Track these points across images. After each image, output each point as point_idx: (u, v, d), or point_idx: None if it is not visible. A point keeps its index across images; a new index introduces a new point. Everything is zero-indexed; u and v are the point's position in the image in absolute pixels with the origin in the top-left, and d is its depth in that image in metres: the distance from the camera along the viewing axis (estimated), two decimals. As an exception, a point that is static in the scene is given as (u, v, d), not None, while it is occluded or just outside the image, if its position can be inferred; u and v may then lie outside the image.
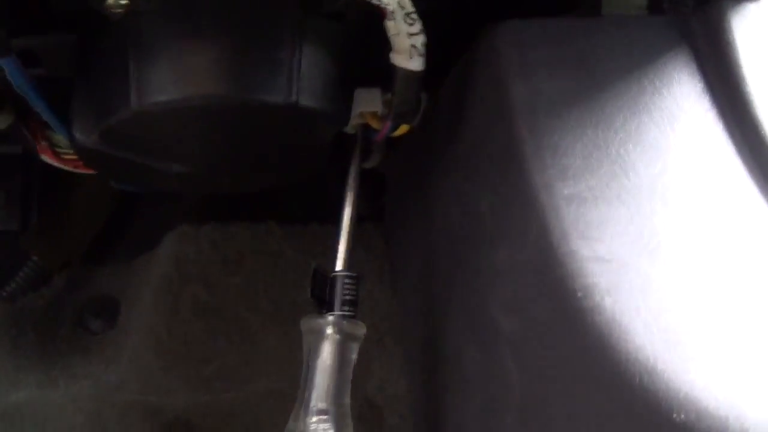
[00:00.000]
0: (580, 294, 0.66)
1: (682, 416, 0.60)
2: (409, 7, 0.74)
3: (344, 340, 0.86)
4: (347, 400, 0.86)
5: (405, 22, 0.75)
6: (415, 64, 0.78)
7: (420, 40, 0.76)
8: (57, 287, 1.31)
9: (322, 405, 0.85)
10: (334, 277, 0.86)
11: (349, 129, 0.88)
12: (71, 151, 0.94)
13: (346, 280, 0.86)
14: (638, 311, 0.64)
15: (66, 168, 0.96)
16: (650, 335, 0.63)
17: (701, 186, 0.69)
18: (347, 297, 0.86)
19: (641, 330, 0.63)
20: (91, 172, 0.96)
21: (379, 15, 0.75)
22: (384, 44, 0.77)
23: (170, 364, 1.21)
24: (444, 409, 0.97)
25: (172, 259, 1.24)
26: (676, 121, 0.73)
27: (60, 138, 0.93)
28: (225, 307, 1.23)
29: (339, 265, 0.87)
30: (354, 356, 0.87)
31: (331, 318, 0.85)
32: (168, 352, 1.21)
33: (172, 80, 0.76)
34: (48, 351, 1.26)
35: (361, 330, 0.87)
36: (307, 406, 0.85)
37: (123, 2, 0.74)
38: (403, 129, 0.87)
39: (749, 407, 0.58)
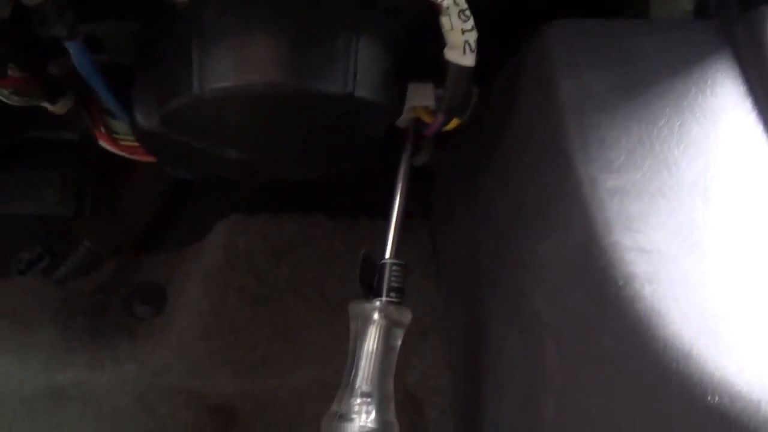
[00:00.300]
0: (621, 282, 0.68)
1: (716, 399, 0.62)
2: (463, 5, 0.76)
3: (390, 326, 0.88)
4: (391, 385, 0.89)
5: (459, 18, 0.77)
6: (468, 60, 0.80)
7: (473, 37, 0.78)
8: (107, 272, 1.34)
9: (366, 388, 0.87)
10: (383, 264, 0.89)
11: (401, 123, 0.90)
12: (129, 138, 0.97)
13: (394, 268, 0.88)
14: (676, 300, 0.66)
15: (123, 154, 0.99)
16: (687, 322, 0.65)
17: (741, 184, 0.71)
18: (395, 284, 0.88)
19: (679, 317, 0.65)
20: (146, 158, 0.99)
21: (434, 11, 0.77)
22: (437, 40, 0.80)
23: (216, 350, 1.23)
24: (484, 399, 0.99)
25: (222, 248, 1.27)
26: (718, 121, 0.75)
27: (118, 124, 0.96)
28: (272, 296, 1.25)
29: (388, 253, 0.89)
30: (399, 343, 0.90)
31: (378, 303, 0.88)
32: (214, 338, 1.24)
33: (233, 67, 0.79)
34: (96, 334, 1.29)
35: (407, 316, 0.89)
36: (352, 388, 0.87)
37: (188, -8, 0.78)
38: (454, 123, 0.89)
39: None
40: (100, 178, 1.24)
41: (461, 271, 1.08)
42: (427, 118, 0.89)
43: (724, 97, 0.77)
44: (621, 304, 0.68)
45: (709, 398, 0.62)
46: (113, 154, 1.00)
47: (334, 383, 0.88)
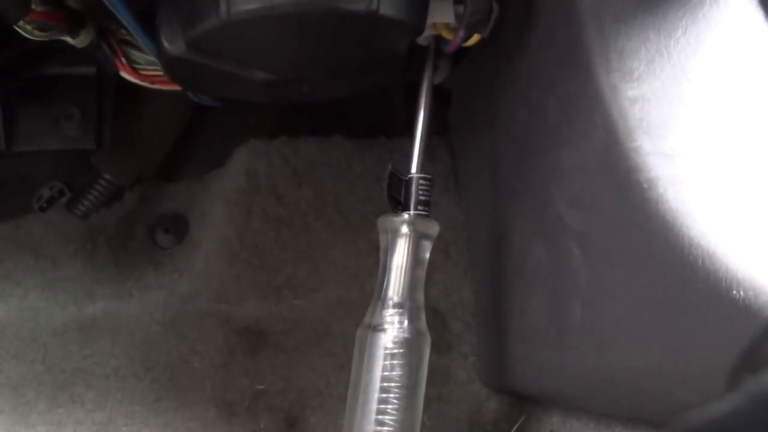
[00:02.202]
0: (645, 186, 0.71)
1: (741, 293, 0.65)
2: None
3: (419, 238, 0.91)
4: (421, 295, 0.92)
5: (478, -67, 0.78)
6: (488, -25, 0.82)
7: (492, -48, 0.80)
8: (129, 204, 1.36)
9: (397, 299, 0.90)
10: (410, 178, 0.91)
11: (422, 40, 0.92)
12: (149, 67, 0.99)
13: (421, 181, 0.91)
14: (700, 201, 0.68)
15: (144, 84, 1.00)
16: (711, 222, 0.67)
17: (755, 92, 0.72)
18: (422, 197, 0.91)
19: (702, 218, 0.68)
20: (168, 87, 1.00)
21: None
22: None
23: (242, 273, 1.25)
24: (509, 306, 1.02)
25: (243, 173, 1.28)
26: (732, 32, 0.76)
27: (139, 54, 0.98)
28: (294, 218, 1.27)
29: (414, 168, 0.92)
30: (427, 255, 0.93)
31: (407, 216, 0.90)
32: (239, 262, 1.26)
33: None
34: (121, 265, 1.31)
35: (434, 228, 0.92)
36: (384, 299, 0.90)
37: None
38: (475, 39, 0.90)
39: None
40: (119, 110, 1.24)
41: (481, 185, 1.10)
42: (448, 35, 0.90)
43: (737, 8, 0.77)
44: (645, 206, 0.71)
45: (734, 292, 0.65)
46: (131, 87, 1.02)
47: (359, 301, 0.91)
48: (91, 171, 1.31)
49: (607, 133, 0.75)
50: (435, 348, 1.11)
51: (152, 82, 1.00)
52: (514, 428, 1.11)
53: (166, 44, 0.88)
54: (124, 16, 0.86)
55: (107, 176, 1.31)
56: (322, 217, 1.27)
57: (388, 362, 0.89)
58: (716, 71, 0.73)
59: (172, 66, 0.92)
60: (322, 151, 1.29)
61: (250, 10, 0.80)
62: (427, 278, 0.94)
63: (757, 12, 0.77)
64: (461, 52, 0.97)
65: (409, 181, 0.91)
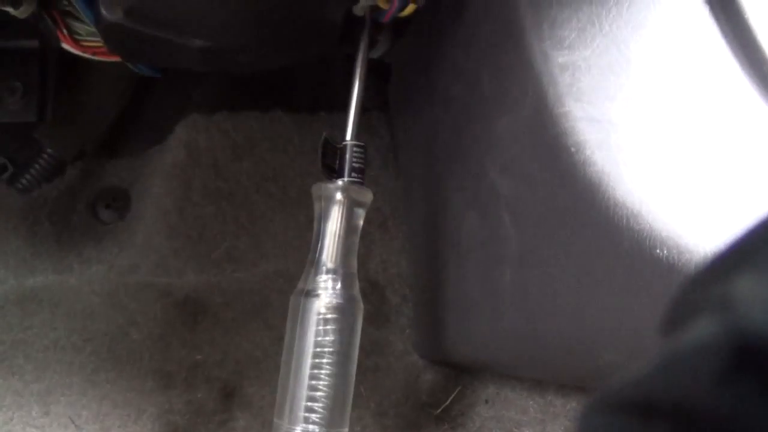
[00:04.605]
0: (573, 149, 0.72)
1: (665, 252, 0.67)
2: None
3: (352, 205, 0.91)
4: (354, 262, 0.92)
5: None
6: (422, -57, 0.82)
7: None
8: (70, 179, 1.35)
9: (331, 264, 0.91)
10: (344, 145, 0.91)
11: (358, 10, 0.92)
12: (91, 39, 0.98)
13: (355, 149, 0.91)
14: (625, 164, 0.70)
15: (85, 55, 1.00)
16: (636, 184, 0.69)
17: (684, 62, 0.74)
18: (356, 164, 0.91)
19: (628, 179, 0.70)
20: (109, 58, 1.00)
21: None
22: None
23: (181, 247, 1.26)
24: (444, 277, 1.03)
25: (183, 147, 1.28)
26: (664, 4, 0.78)
27: (80, 26, 0.97)
28: (235, 192, 1.27)
29: (348, 135, 0.92)
30: (361, 222, 0.93)
31: (340, 183, 0.91)
32: (179, 235, 1.26)
33: None
34: (62, 239, 1.31)
35: (368, 196, 0.92)
36: (317, 266, 0.91)
37: None
38: (410, 9, 0.90)
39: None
40: (62, 84, 1.23)
41: (419, 160, 1.11)
42: (383, 4, 0.91)
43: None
44: (573, 169, 0.72)
45: (657, 251, 0.67)
46: (73, 60, 1.01)
47: (298, 274, 0.92)
48: (33, 145, 1.30)
49: (538, 100, 0.76)
50: (372, 320, 1.13)
51: (94, 54, 1.00)
52: (450, 398, 1.12)
53: (104, 12, 0.87)
54: None
55: (50, 150, 1.30)
56: (262, 190, 1.27)
57: (321, 327, 0.89)
58: (646, 41, 0.75)
59: (110, 34, 0.91)
60: (263, 125, 1.30)
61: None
62: (364, 252, 0.95)
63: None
64: (401, 26, 0.97)
65: (342, 149, 0.91)
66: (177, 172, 1.27)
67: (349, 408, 0.91)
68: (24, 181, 1.30)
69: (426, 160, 1.08)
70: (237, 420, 1.12)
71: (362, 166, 0.92)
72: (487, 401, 1.11)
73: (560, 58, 0.76)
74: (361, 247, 0.93)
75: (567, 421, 1.04)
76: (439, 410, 1.12)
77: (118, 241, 1.30)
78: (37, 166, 1.29)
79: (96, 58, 1.00)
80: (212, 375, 1.15)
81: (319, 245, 0.91)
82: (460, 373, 1.14)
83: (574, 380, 0.98)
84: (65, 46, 0.99)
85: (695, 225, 0.66)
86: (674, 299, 0.41)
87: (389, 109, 1.27)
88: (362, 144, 0.92)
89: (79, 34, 0.99)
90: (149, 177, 1.32)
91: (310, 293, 0.90)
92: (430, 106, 1.06)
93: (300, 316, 0.90)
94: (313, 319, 0.89)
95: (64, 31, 0.97)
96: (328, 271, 0.91)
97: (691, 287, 0.41)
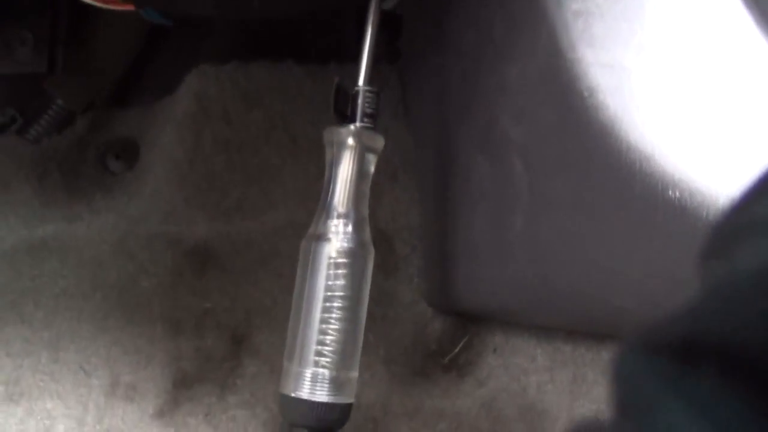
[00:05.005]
0: (585, 94, 0.72)
1: (677, 194, 0.67)
2: None
3: (364, 150, 0.92)
4: (366, 208, 0.93)
5: None
6: None
7: None
8: (80, 129, 1.35)
9: (342, 209, 0.91)
10: (356, 91, 0.91)
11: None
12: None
13: (367, 94, 0.91)
14: (638, 108, 0.70)
15: (97, 4, 1.00)
16: (648, 128, 0.69)
17: (697, 7, 0.73)
18: (368, 110, 0.91)
19: (640, 124, 0.70)
20: (121, 7, 0.99)
21: None
22: None
23: (191, 196, 1.26)
24: (453, 225, 1.03)
25: (194, 97, 1.28)
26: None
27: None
28: (245, 142, 1.27)
29: (361, 80, 0.92)
30: (372, 168, 0.93)
31: (352, 128, 0.91)
32: (189, 185, 1.26)
33: None
34: (72, 189, 1.31)
35: (380, 142, 0.92)
36: (329, 210, 0.91)
37: None
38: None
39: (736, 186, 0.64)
40: (72, 34, 1.23)
41: (430, 109, 1.11)
42: (396, -49, 0.90)
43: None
44: (585, 114, 0.72)
45: (669, 193, 0.67)
46: (84, 9, 1.01)
47: (308, 224, 0.92)
48: (43, 96, 1.30)
49: (551, 46, 0.76)
50: (381, 269, 1.13)
51: (105, 3, 1.00)
52: (458, 347, 1.13)
53: None
54: None
55: (60, 101, 1.30)
56: (272, 140, 1.27)
57: (331, 271, 0.89)
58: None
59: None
60: (273, 75, 1.29)
61: None
62: (374, 201, 0.95)
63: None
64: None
65: (355, 94, 0.91)
66: (187, 123, 1.27)
67: (359, 352, 0.92)
68: (34, 132, 1.30)
69: (437, 108, 1.08)
70: (246, 367, 1.12)
71: (374, 111, 0.92)
72: (495, 350, 1.11)
73: (574, 4, 0.75)
74: (370, 197, 0.93)
75: (575, 367, 1.05)
76: (447, 358, 1.13)
77: (127, 191, 1.30)
78: (46, 116, 1.30)
79: (107, 6, 1.00)
80: (221, 322, 1.15)
81: (331, 190, 0.92)
82: (469, 322, 1.14)
83: (585, 326, 0.98)
84: (79, -8, 0.99)
85: (707, 167, 0.66)
86: (716, 226, 0.38)
87: (401, 60, 1.26)
88: (375, 89, 0.92)
89: (95, -21, 0.98)
90: (159, 127, 1.32)
91: (321, 237, 0.90)
92: (441, 56, 1.06)
93: (311, 261, 0.91)
94: (324, 263, 0.90)
95: None
96: (339, 216, 0.91)
97: (734, 212, 0.37)
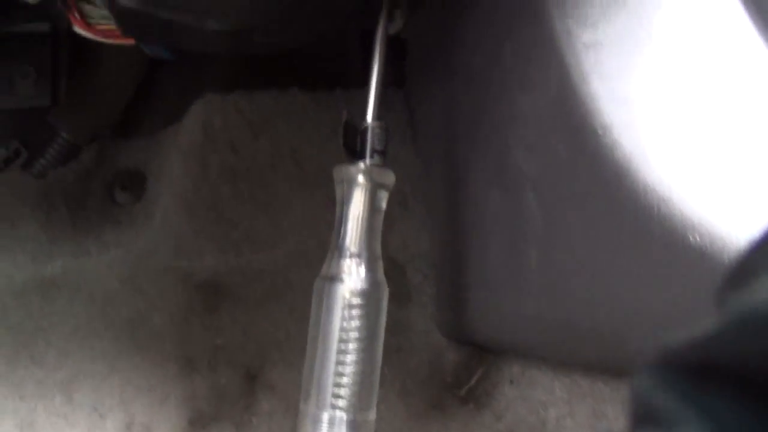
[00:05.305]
0: (600, 132, 0.71)
1: (697, 239, 0.65)
2: None
3: (375, 188, 0.90)
4: (378, 245, 0.91)
5: None
6: None
7: None
8: (86, 161, 1.34)
9: (354, 249, 0.90)
10: (365, 127, 0.90)
11: (376, -13, 0.90)
12: (103, 22, 0.97)
13: (377, 130, 0.90)
14: (654, 146, 0.68)
15: (98, 38, 0.99)
16: (666, 168, 0.67)
17: (714, 39, 0.71)
18: (378, 147, 0.90)
19: (657, 163, 0.68)
20: (122, 41, 0.98)
21: None
22: None
23: (200, 228, 1.25)
24: (466, 255, 1.02)
25: (199, 127, 1.27)
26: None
27: (92, 9, 0.96)
28: (252, 171, 1.26)
29: (370, 116, 0.91)
30: (384, 204, 0.92)
31: (362, 166, 0.89)
32: (197, 216, 1.25)
33: None
34: (79, 223, 1.30)
35: (390, 178, 0.91)
36: (341, 249, 0.90)
37: None
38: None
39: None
40: (74, 67, 1.22)
41: (439, 135, 1.10)
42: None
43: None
44: (600, 152, 0.71)
45: (690, 238, 0.65)
46: (85, 43, 1.00)
47: (318, 253, 0.91)
48: (47, 129, 1.29)
49: (562, 79, 0.75)
50: (394, 299, 1.11)
51: (107, 37, 0.98)
52: (474, 379, 1.12)
53: None
54: None
55: (64, 134, 1.29)
56: (279, 169, 1.26)
57: (346, 313, 0.88)
58: (672, 18, 0.73)
59: (123, 18, 0.90)
60: (279, 103, 1.28)
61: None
62: (385, 229, 0.93)
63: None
64: (417, 1, 0.96)
65: (364, 130, 0.90)
66: (193, 153, 1.26)
67: (376, 391, 0.91)
68: (39, 166, 1.30)
69: (445, 135, 1.07)
70: (261, 403, 1.11)
71: (384, 147, 0.91)
72: (512, 381, 1.10)
73: (584, 36, 0.74)
74: (381, 225, 0.92)
75: (594, 402, 1.03)
76: (464, 390, 1.12)
77: (135, 223, 1.30)
78: (51, 149, 1.29)
79: (108, 41, 0.99)
80: (235, 359, 1.14)
81: (342, 229, 0.90)
82: (485, 353, 1.13)
83: (602, 367, 0.97)
84: (77, 29, 0.98)
85: (728, 211, 0.64)
86: (738, 260, 0.39)
87: (406, 84, 1.25)
88: (384, 125, 0.91)
89: (92, 17, 0.97)
90: (165, 158, 1.31)
91: (335, 278, 0.89)
92: (448, 81, 1.05)
93: (324, 302, 0.90)
94: (338, 304, 0.89)
95: (76, 14, 0.96)
96: (351, 255, 0.90)
97: (755, 247, 0.39)
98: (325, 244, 0.91)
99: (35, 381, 1.13)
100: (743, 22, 0.70)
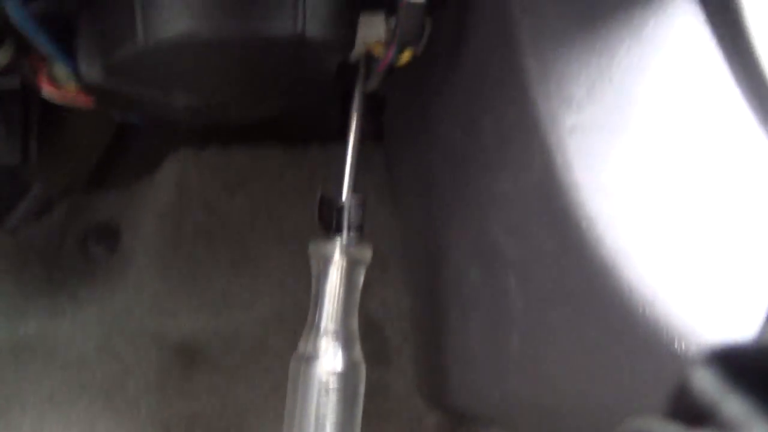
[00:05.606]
0: (583, 225, 0.68)
1: (683, 347, 0.63)
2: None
3: (352, 264, 0.88)
4: (355, 321, 0.90)
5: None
6: (420, -5, 0.78)
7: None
8: (59, 216, 1.32)
9: (331, 327, 0.88)
10: (342, 205, 0.88)
11: (352, 58, 0.88)
12: (71, 85, 0.94)
13: (354, 207, 0.88)
14: (640, 243, 0.66)
15: (66, 103, 0.96)
16: (653, 268, 0.65)
17: (703, 116, 0.70)
18: (355, 222, 0.88)
19: (644, 262, 0.66)
20: (89, 106, 0.96)
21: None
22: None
23: (175, 287, 1.22)
24: (446, 326, 0.99)
25: (173, 184, 1.25)
26: (677, 52, 0.74)
27: (60, 72, 0.93)
28: (228, 230, 1.24)
29: (345, 191, 0.88)
30: (361, 280, 0.90)
31: (339, 243, 0.87)
32: (172, 276, 1.23)
33: (177, 14, 0.76)
34: (54, 280, 1.28)
35: (368, 254, 0.89)
36: (317, 328, 0.88)
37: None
38: (407, 57, 0.86)
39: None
40: (45, 122, 1.20)
41: (416, 199, 1.08)
42: (379, 52, 0.87)
43: (683, 26, 0.74)
44: (584, 246, 0.69)
45: (675, 345, 0.63)
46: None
47: (296, 315, 0.90)
48: (18, 185, 1.27)
49: (545, 164, 0.73)
50: (373, 361, 1.08)
51: (75, 101, 0.96)
52: (454, 447, 1.10)
53: (84, 70, 0.84)
54: (38, 40, 0.82)
55: (37, 187, 1.27)
56: (256, 228, 1.24)
57: (323, 395, 0.87)
58: (661, 95, 0.71)
59: (91, 91, 0.88)
60: (254, 160, 1.26)
61: (169, 37, 0.76)
62: (364, 291, 0.92)
63: (704, 29, 0.75)
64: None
65: (340, 208, 0.88)
66: (167, 211, 1.24)
67: (353, 472, 0.89)
68: (11, 221, 1.27)
69: (423, 201, 1.04)
70: (239, 473, 1.09)
71: (361, 222, 0.89)
72: (493, 452, 1.08)
73: (568, 119, 0.72)
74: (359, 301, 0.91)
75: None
76: (444, 459, 1.10)
77: (110, 280, 1.27)
78: (23, 204, 1.27)
79: (79, 105, 0.96)
80: (212, 425, 1.12)
81: (318, 307, 0.89)
82: (465, 420, 1.11)
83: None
84: (46, 92, 0.95)
85: (718, 320, 0.62)
86: None
87: (384, 139, 1.23)
88: (361, 199, 0.89)
89: (60, 81, 0.94)
90: (139, 212, 1.29)
91: (311, 358, 0.87)
92: (427, 146, 1.02)
93: (300, 383, 0.88)
94: (314, 385, 0.87)
95: (44, 77, 0.93)
96: (328, 334, 0.88)
97: None
98: (302, 304, 0.89)
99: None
100: (740, 104, 0.68)
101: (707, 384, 0.36)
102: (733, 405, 0.34)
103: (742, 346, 0.36)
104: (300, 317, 0.92)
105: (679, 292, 0.64)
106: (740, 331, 0.61)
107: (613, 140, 0.70)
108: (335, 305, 0.88)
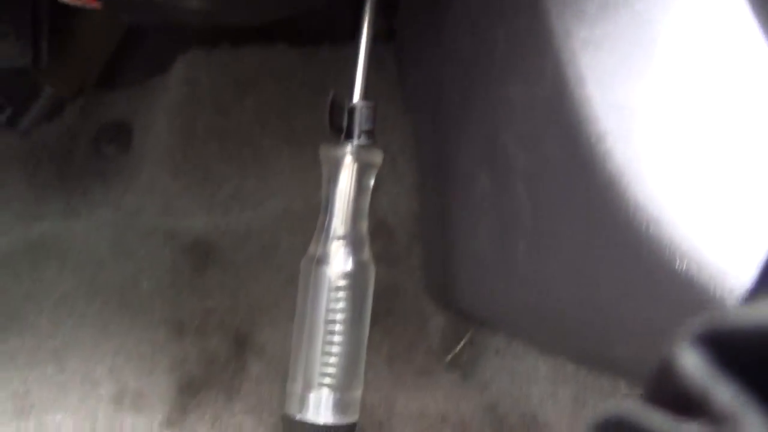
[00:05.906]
0: (593, 139, 0.69)
1: (684, 266, 0.64)
2: None
3: (363, 168, 0.89)
4: (365, 223, 0.91)
5: None
6: None
7: None
8: (71, 115, 1.33)
9: (341, 231, 0.90)
10: (353, 106, 0.89)
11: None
12: (82, -16, 0.94)
13: (364, 110, 0.89)
14: (649, 160, 0.67)
15: (77, 4, 0.96)
16: (659, 185, 0.66)
17: (717, 36, 0.69)
18: (365, 126, 0.89)
19: (651, 180, 0.66)
20: (96, 8, 0.96)
21: None
22: None
23: (186, 187, 1.24)
24: (455, 228, 1.01)
25: (184, 83, 1.25)
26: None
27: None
28: (238, 129, 1.24)
29: (356, 95, 0.89)
30: (371, 183, 0.92)
31: (350, 147, 0.89)
32: (184, 175, 1.24)
33: None
34: (67, 180, 1.29)
35: (378, 157, 0.91)
36: (328, 231, 0.90)
37: None
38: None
39: (750, 265, 0.61)
40: (54, 25, 1.20)
41: (428, 101, 1.08)
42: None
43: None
44: (593, 160, 0.70)
45: (677, 264, 0.64)
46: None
47: (306, 213, 0.91)
48: (31, 86, 1.27)
49: (557, 78, 0.73)
50: (383, 261, 1.11)
51: (85, 2, 0.96)
52: (460, 345, 1.12)
53: None
54: None
55: (48, 89, 1.27)
56: (267, 127, 1.24)
57: (332, 295, 0.89)
58: (675, 18, 0.70)
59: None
60: (265, 59, 1.26)
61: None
62: (375, 189, 0.93)
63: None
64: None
65: (351, 110, 0.89)
66: (179, 110, 1.25)
67: (362, 371, 0.93)
68: (24, 122, 1.28)
69: (434, 105, 1.05)
70: (251, 368, 1.11)
71: (372, 126, 0.89)
72: (497, 352, 1.10)
73: (582, 33, 0.72)
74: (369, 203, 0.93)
75: (577, 387, 1.03)
76: (449, 357, 1.12)
77: (122, 180, 1.28)
78: (36, 105, 1.28)
79: (88, 6, 0.96)
80: (225, 322, 1.14)
81: (329, 210, 0.90)
82: (472, 319, 1.13)
83: (582, 361, 0.96)
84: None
85: (720, 240, 0.63)
86: None
87: (396, 39, 1.22)
88: (372, 104, 0.89)
89: (70, -21, 0.95)
90: (151, 111, 1.30)
91: (321, 261, 0.89)
92: (438, 52, 1.03)
93: (311, 284, 0.90)
94: (325, 286, 0.89)
95: None
96: (338, 237, 0.90)
97: None
98: (312, 203, 0.90)
99: (26, 350, 1.12)
100: (751, 22, 0.68)
101: (695, 368, 0.32)
102: (724, 393, 0.31)
103: (731, 322, 0.33)
104: (310, 215, 0.93)
105: (684, 212, 0.65)
106: (741, 256, 0.62)
107: (626, 57, 0.70)
108: (346, 209, 0.90)
